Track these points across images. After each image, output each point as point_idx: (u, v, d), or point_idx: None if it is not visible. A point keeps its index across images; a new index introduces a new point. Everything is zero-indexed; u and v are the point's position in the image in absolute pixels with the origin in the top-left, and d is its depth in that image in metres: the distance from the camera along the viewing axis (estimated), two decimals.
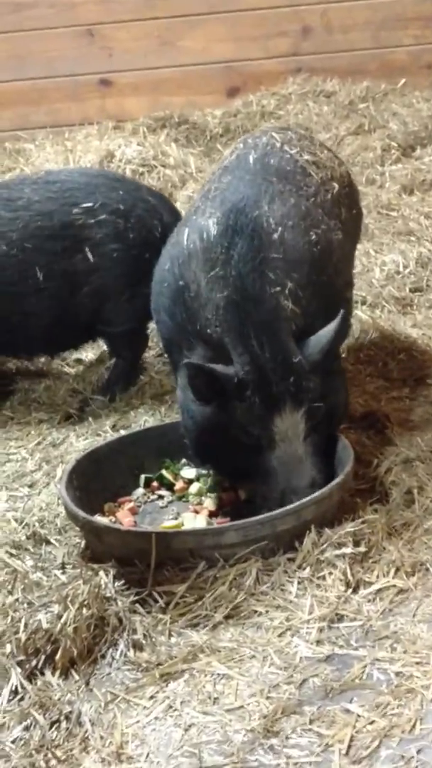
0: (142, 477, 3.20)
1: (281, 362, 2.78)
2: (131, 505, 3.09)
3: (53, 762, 2.22)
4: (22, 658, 2.44)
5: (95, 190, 3.69)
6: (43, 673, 2.43)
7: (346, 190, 3.36)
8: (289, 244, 2.90)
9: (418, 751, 2.14)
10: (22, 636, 2.46)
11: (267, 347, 2.78)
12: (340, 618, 2.55)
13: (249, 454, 2.85)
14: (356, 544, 2.72)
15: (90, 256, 3.64)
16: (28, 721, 2.31)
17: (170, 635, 2.56)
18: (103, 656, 2.51)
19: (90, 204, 3.65)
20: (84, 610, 2.51)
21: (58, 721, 2.31)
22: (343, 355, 3.53)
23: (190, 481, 3.17)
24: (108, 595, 2.58)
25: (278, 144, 3.22)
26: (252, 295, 2.81)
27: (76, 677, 2.45)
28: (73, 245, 3.64)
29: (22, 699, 2.37)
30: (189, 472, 3.20)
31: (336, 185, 3.25)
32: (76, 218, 3.63)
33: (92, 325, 3.75)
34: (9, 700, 2.37)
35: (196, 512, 3.02)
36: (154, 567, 2.67)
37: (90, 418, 3.61)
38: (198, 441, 2.97)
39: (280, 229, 2.90)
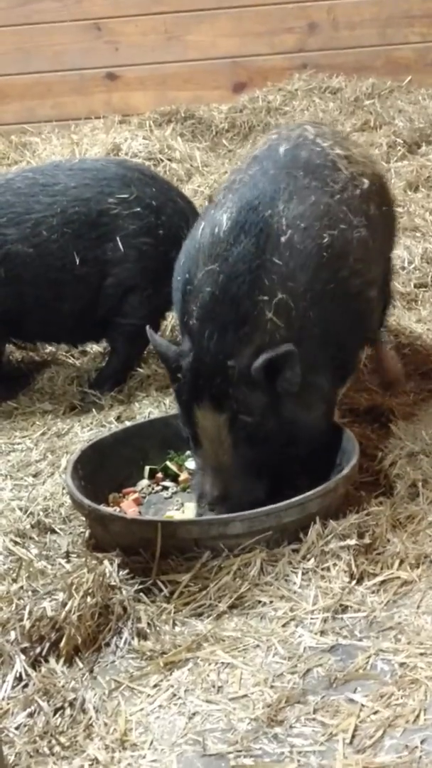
0: (147, 468, 3.20)
1: (218, 361, 2.75)
2: (136, 495, 3.09)
3: (57, 748, 2.22)
4: (26, 645, 2.44)
5: (130, 183, 3.72)
6: (47, 661, 2.43)
7: (376, 187, 3.28)
8: (296, 249, 2.83)
9: (422, 741, 2.14)
10: (27, 623, 2.46)
11: (214, 344, 2.75)
12: (344, 609, 2.55)
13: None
14: (360, 536, 2.72)
15: (120, 246, 3.65)
16: (33, 707, 2.31)
17: (174, 624, 2.56)
18: (108, 644, 2.51)
19: (125, 195, 3.68)
20: (88, 599, 2.51)
21: (62, 708, 2.31)
22: None
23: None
24: (112, 583, 2.58)
25: (311, 136, 3.17)
26: (233, 294, 2.76)
27: (81, 665, 2.45)
28: (106, 233, 3.66)
29: (26, 686, 2.37)
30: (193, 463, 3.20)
31: (366, 181, 3.17)
32: (111, 207, 3.66)
33: (110, 316, 3.74)
34: (13, 687, 2.37)
35: None
36: (158, 556, 2.67)
37: (94, 410, 3.61)
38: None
39: (290, 231, 2.84)
